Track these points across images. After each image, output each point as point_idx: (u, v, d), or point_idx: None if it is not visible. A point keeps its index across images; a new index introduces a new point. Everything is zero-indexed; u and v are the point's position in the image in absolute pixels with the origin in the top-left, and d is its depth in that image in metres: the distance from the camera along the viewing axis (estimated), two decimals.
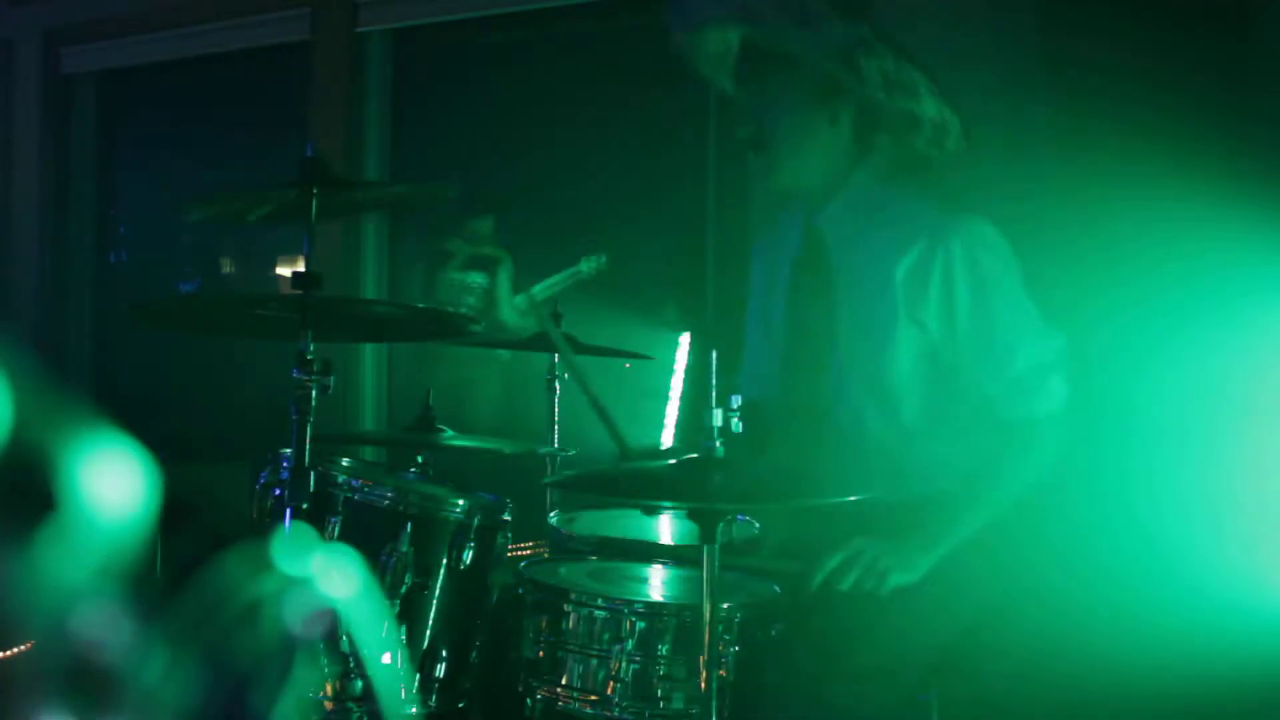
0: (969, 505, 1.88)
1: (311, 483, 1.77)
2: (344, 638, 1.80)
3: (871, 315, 1.93)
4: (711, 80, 2.11)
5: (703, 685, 1.56)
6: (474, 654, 2.05)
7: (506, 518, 2.11)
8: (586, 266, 4.29)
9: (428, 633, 1.97)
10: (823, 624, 1.84)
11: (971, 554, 1.86)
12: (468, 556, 1.99)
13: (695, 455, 1.61)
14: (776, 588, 2.00)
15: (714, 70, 2.08)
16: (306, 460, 1.76)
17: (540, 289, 4.43)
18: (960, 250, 1.86)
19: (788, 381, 2.06)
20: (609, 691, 1.83)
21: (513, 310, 4.48)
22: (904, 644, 1.82)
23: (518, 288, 4.54)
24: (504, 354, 4.43)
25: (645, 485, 1.75)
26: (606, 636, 1.86)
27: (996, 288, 1.88)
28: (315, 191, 1.81)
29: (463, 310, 4.19)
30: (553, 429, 2.84)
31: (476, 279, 4.49)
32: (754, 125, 1.98)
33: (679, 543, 2.36)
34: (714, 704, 1.57)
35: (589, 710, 1.86)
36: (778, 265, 2.13)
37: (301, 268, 1.76)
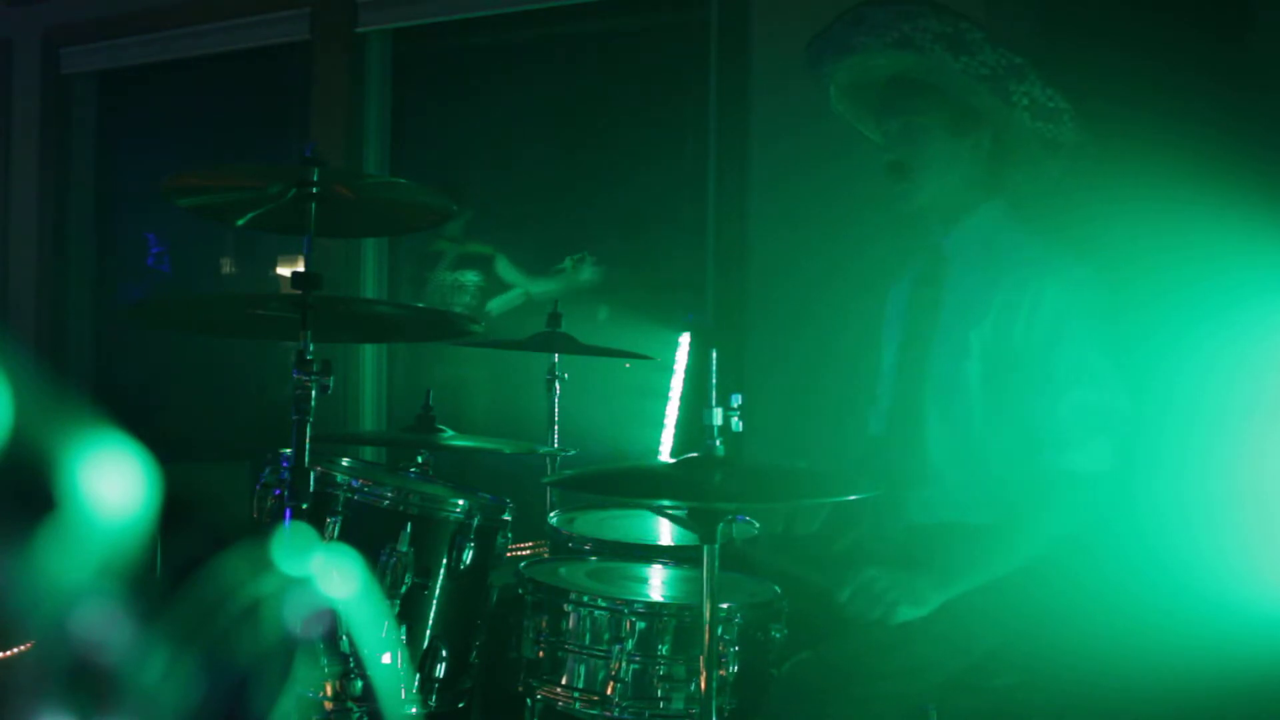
0: (986, 555, 1.87)
1: (311, 483, 1.77)
2: (344, 638, 1.80)
3: (964, 337, 1.97)
4: (842, 111, 2.20)
5: (703, 685, 1.56)
6: (474, 654, 2.05)
7: (506, 518, 2.11)
8: (571, 265, 4.27)
9: (428, 633, 1.97)
10: (831, 654, 1.84)
11: (992, 590, 1.85)
12: (468, 556, 1.99)
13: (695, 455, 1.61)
14: (777, 587, 2.01)
15: (852, 99, 2.17)
16: (306, 460, 1.76)
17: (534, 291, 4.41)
18: (1054, 287, 1.91)
19: (897, 388, 2.10)
20: (609, 692, 1.83)
21: (507, 305, 4.46)
22: (914, 677, 1.81)
23: (510, 282, 4.50)
24: (504, 354, 4.42)
25: (645, 485, 1.75)
26: (606, 636, 1.86)
27: (1074, 328, 1.90)
28: (315, 178, 1.81)
29: (458, 310, 4.18)
30: (553, 429, 2.84)
31: (469, 277, 4.47)
32: (897, 151, 2.05)
33: (680, 542, 2.36)
34: (714, 704, 1.57)
35: (589, 710, 1.86)
36: (905, 293, 2.18)
37: (301, 268, 1.76)
